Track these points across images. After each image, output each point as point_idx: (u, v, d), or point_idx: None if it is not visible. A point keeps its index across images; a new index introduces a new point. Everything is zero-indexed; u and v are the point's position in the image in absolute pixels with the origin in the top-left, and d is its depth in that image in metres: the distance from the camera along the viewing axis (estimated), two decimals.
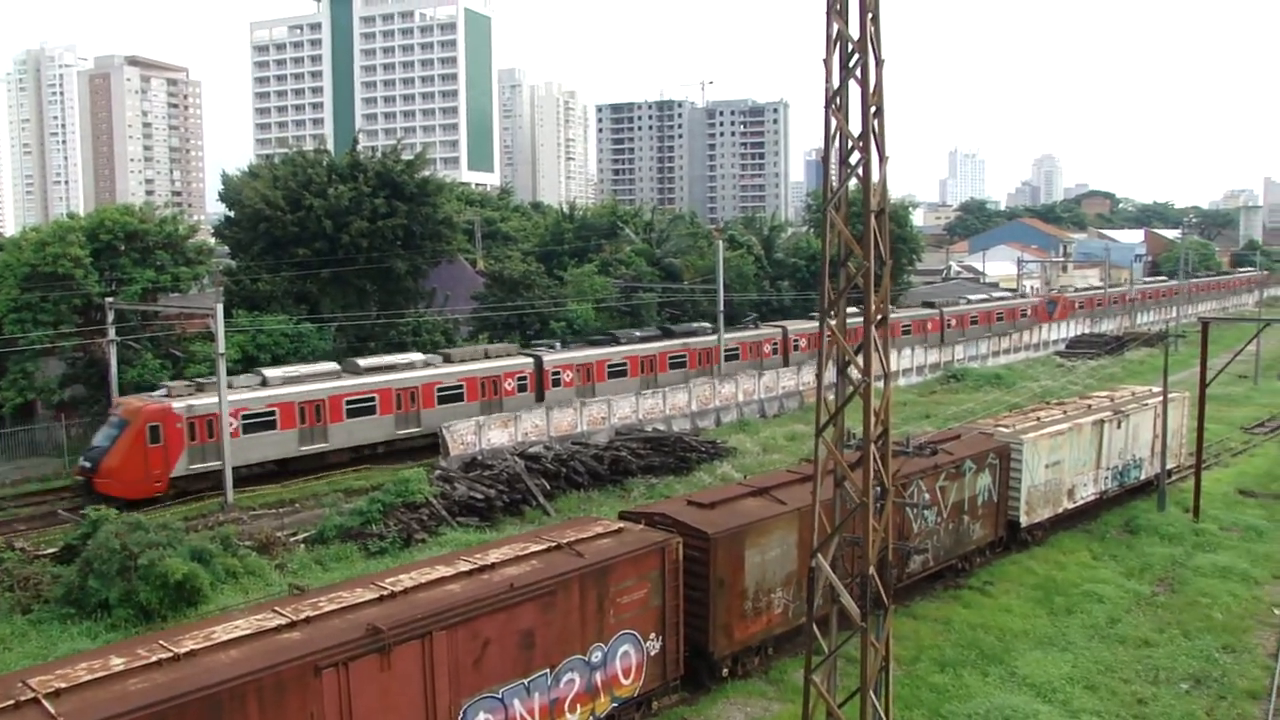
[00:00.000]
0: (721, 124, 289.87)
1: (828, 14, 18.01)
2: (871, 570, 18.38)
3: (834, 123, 18.32)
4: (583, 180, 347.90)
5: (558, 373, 55.15)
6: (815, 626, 19.51)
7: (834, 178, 18.55)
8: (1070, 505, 39.09)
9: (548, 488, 42.49)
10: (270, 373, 45.98)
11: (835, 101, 18.35)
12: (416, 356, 51.13)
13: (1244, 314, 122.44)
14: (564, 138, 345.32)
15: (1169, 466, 44.30)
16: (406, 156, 64.95)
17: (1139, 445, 43.12)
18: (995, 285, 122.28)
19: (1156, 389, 46.08)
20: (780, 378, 63.43)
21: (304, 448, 45.66)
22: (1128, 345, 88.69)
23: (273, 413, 44.57)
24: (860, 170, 18.22)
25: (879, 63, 17.93)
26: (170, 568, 29.74)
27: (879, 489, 18.59)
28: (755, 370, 63.52)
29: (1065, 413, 41.14)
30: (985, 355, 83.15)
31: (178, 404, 42.13)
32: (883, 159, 18.28)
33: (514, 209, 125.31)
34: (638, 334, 62.35)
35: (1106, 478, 41.10)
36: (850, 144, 18.31)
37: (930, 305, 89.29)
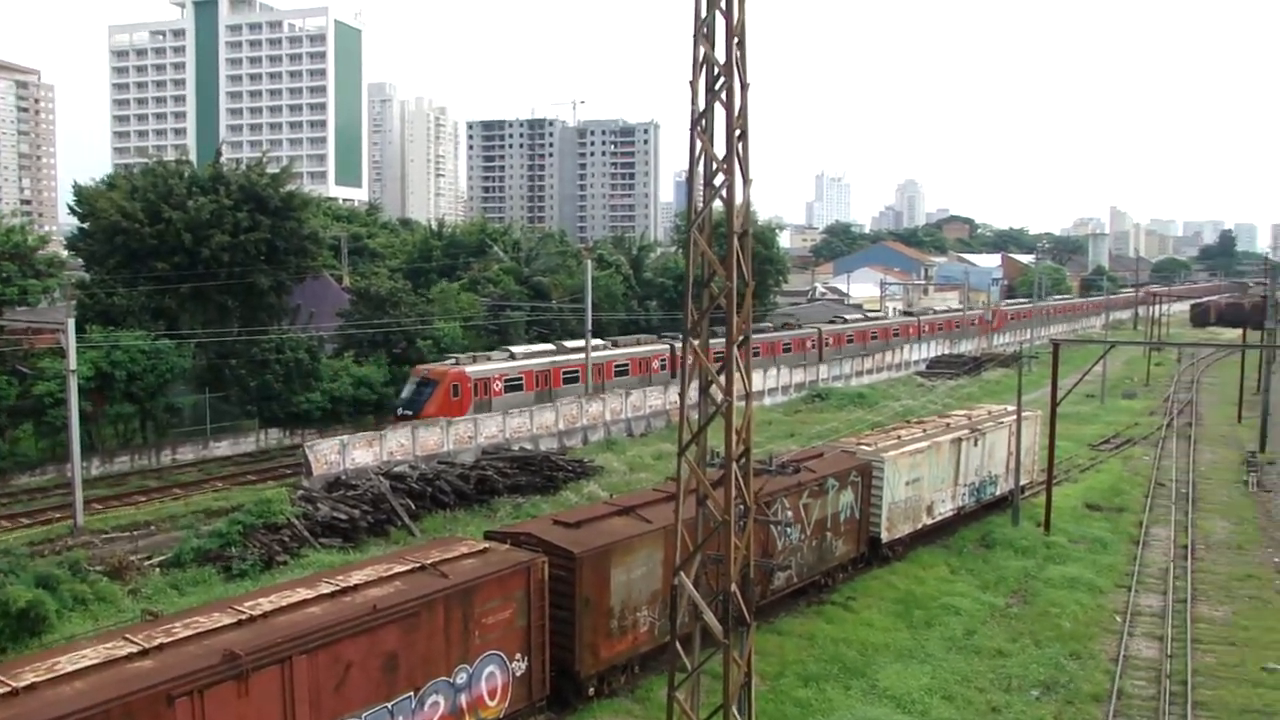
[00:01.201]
0: (592, 143, 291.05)
1: (695, 38, 18.21)
2: (734, 587, 18.52)
3: (699, 145, 18.52)
4: (452, 197, 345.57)
5: (827, 339, 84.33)
6: (679, 644, 19.59)
7: (698, 199, 18.74)
8: (930, 521, 40.03)
9: (413, 508, 41.93)
10: (515, 349, 63.39)
11: (700, 124, 18.55)
12: (599, 341, 67.81)
13: (1092, 336, 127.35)
14: (434, 154, 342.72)
15: (1023, 483, 45.72)
16: (272, 170, 63.62)
17: (995, 462, 44.42)
18: (859, 307, 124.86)
19: (1011, 408, 47.56)
20: (647, 397, 63.75)
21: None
22: (985, 366, 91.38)
23: (520, 378, 60.41)
24: (724, 192, 18.43)
25: (744, 87, 18.18)
26: (11, 595, 28.44)
27: (741, 507, 18.77)
28: (644, 385, 67.36)
29: (925, 431, 42.14)
30: (849, 375, 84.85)
31: (469, 369, 57.83)
32: (746, 181, 18.52)
33: (382, 225, 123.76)
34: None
35: (964, 494, 42.22)
36: (714, 166, 18.52)
37: (798, 325, 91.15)
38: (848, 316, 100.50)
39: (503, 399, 59.13)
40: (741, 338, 18.63)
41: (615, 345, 69.23)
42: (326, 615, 20.50)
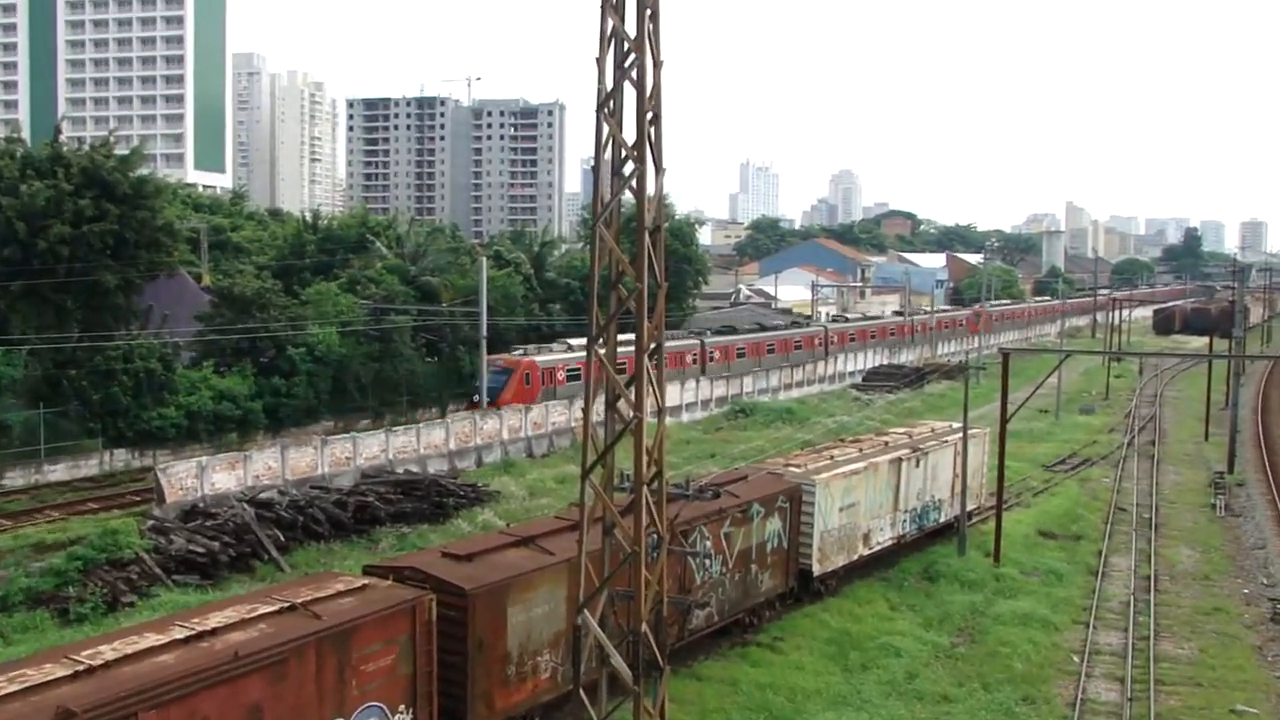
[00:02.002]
0: (489, 126, 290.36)
1: (602, 9, 18.27)
2: (645, 627, 18.58)
3: (606, 129, 18.59)
4: (329, 185, 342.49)
5: (712, 352, 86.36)
6: (583, 693, 19.59)
7: (605, 190, 18.80)
8: (866, 552, 40.50)
9: (282, 539, 41.44)
10: (571, 342, 74.25)
11: (608, 106, 18.63)
12: (780, 322, 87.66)
13: (1045, 345, 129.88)
14: (309, 135, 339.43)
15: (969, 508, 46.45)
16: (120, 151, 62.53)
17: (939, 485, 45.09)
18: (788, 311, 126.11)
19: (957, 424, 48.33)
20: (549, 412, 63.74)
21: None
22: (928, 377, 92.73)
23: (579, 369, 70.08)
24: (634, 182, 18.50)
25: (657, 64, 18.27)
26: None
27: (653, 536, 18.84)
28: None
29: (861, 451, 42.65)
30: (776, 388, 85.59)
31: (538, 359, 70.26)
32: (659, 170, 18.62)
33: (248, 216, 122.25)
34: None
35: (904, 521, 42.79)
36: (623, 153, 18.61)
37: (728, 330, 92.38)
38: (773, 322, 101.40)
39: (565, 387, 71.45)
40: (654, 345, 18.71)
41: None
42: (180, 664, 20.15)
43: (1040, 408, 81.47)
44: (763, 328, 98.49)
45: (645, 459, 18.61)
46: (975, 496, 47.87)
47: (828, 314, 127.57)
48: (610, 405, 19.07)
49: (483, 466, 57.87)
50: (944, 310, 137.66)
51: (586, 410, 18.86)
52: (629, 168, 18.91)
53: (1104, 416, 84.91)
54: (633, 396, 18.81)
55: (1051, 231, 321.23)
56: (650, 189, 18.67)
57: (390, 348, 69.19)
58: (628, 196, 19.18)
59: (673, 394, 73.38)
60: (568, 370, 72.34)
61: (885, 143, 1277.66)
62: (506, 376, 68.93)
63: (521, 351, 72.53)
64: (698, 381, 77.58)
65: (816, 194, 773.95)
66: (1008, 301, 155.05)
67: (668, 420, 66.68)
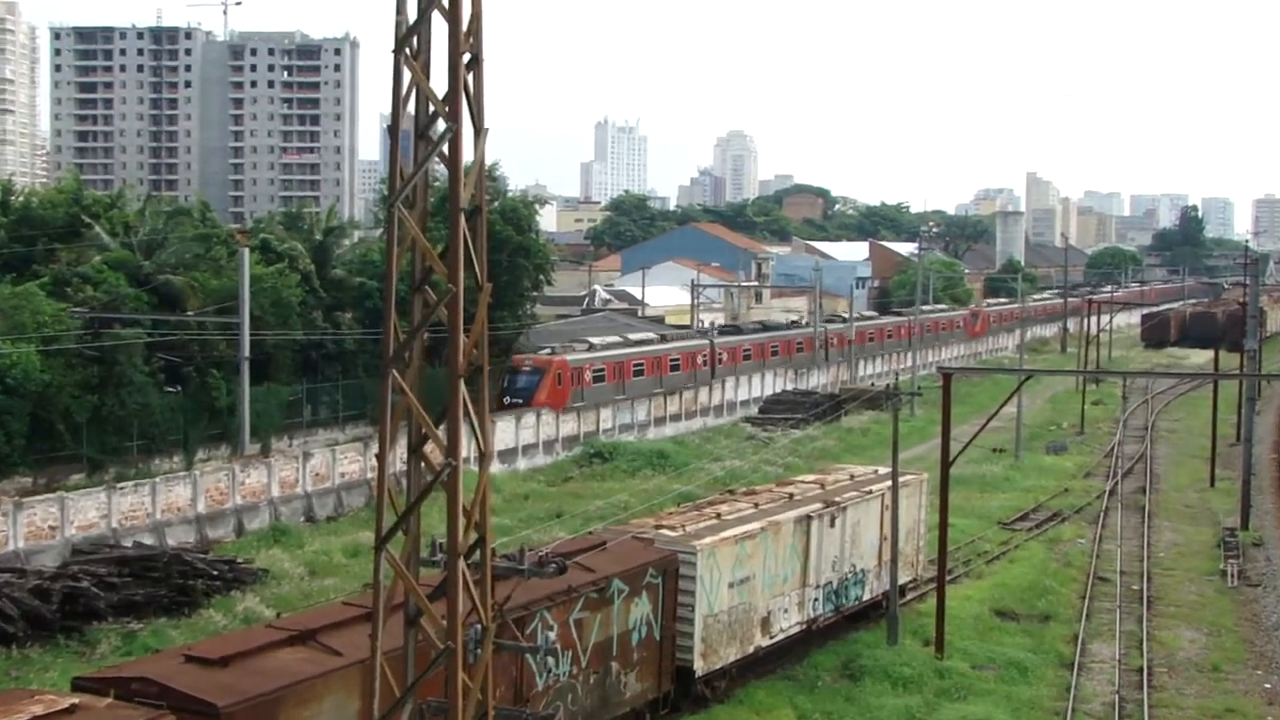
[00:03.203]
0: (254, 69, 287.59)
1: None
2: None
3: (407, 75, 18.46)
4: (27, 147, 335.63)
5: (720, 354, 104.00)
6: None
7: (408, 158, 18.70)
8: (766, 642, 40.70)
9: None
10: (594, 340, 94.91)
11: (410, 44, 18.52)
12: (652, 335, 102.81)
13: (1000, 363, 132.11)
14: None
15: (902, 581, 46.96)
16: None
17: (861, 552, 45.55)
18: (661, 320, 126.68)
19: (884, 469, 48.83)
20: (337, 460, 63.18)
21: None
22: (845, 407, 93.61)
23: (603, 369, 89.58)
24: (447, 147, 18.40)
25: None
26: None
27: (474, 628, 18.71)
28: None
29: (757, 507, 42.88)
30: (645, 423, 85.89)
31: (569, 358, 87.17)
32: (480, 131, 18.56)
33: None
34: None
35: (817, 600, 43.14)
36: (431, 108, 18.51)
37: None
38: (642, 335, 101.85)
39: (592, 389, 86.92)
40: (475, 367, 18.63)
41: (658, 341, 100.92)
42: None
43: (995, 445, 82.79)
44: (630, 342, 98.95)
45: (463, 522, 18.47)
46: (910, 565, 48.45)
47: (713, 323, 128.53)
48: (415, 450, 18.90)
49: (245, 535, 57.06)
50: (867, 317, 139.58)
51: (381, 456, 18.67)
52: (439, 127, 18.79)
53: (1078, 456, 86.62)
54: (445, 438, 18.68)
55: (1008, 212, 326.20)
56: (468, 156, 18.58)
57: (114, 373, 67.83)
58: (441, 167, 19.09)
59: (505, 433, 73.27)
60: (594, 371, 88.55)
61: (789, 97, 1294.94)
62: (539, 377, 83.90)
63: (549, 350, 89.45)
64: (538, 417, 77.51)
65: (697, 162, 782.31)
66: (945, 308, 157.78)
67: (498, 468, 66.13)
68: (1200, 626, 49.13)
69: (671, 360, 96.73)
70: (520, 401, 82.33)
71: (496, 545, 27.89)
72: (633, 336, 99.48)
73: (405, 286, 20.75)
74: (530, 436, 76.18)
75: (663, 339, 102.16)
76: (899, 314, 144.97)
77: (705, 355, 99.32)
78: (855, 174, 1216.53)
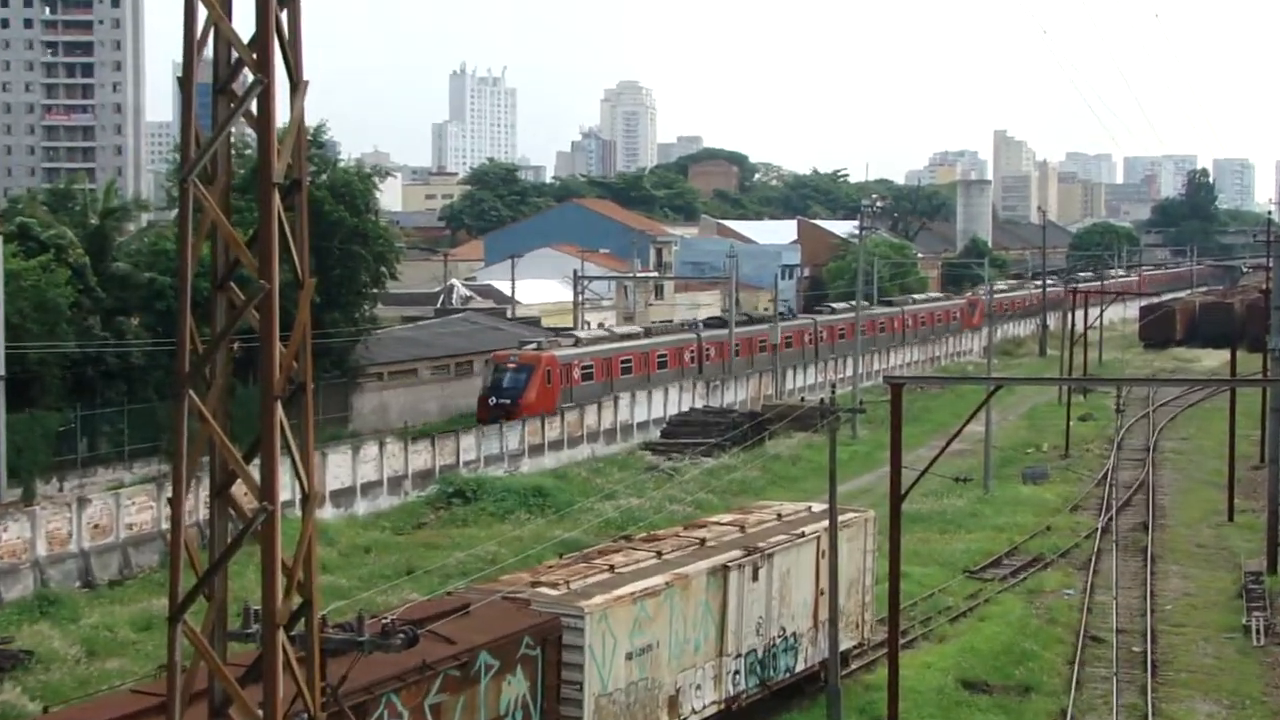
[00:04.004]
0: (7, 3, 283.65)
1: None
2: None
3: (202, 13, 18.38)
4: None
5: (709, 348, 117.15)
6: None
7: (205, 121, 18.61)
8: None
9: None
10: (579, 335, 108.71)
11: None
12: (638, 328, 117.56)
13: (963, 370, 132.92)
14: None
15: (845, 646, 47.13)
16: None
17: (792, 610, 45.67)
18: (536, 322, 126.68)
19: (820, 506, 48.98)
20: (123, 508, 62.45)
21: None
22: (769, 428, 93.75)
23: (592, 366, 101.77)
24: (255, 105, 18.34)
25: None
26: None
27: (301, 717, 18.63)
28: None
29: (661, 556, 42.87)
30: (516, 452, 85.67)
31: (557, 354, 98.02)
32: (298, 85, 18.51)
33: None
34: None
35: (737, 673, 43.20)
36: (234, 54, 18.43)
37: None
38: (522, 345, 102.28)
39: (580, 388, 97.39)
40: (295, 385, 18.55)
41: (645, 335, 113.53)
42: None
43: (958, 473, 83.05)
44: (616, 336, 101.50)
45: (283, 583, 18.41)
46: (854, 626, 48.67)
47: (601, 325, 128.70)
48: (220, 492, 18.80)
49: (2, 608, 56.38)
50: (789, 320, 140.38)
51: (176, 504, 18.54)
52: (246, 80, 18.73)
53: (1062, 486, 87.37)
54: (259, 476, 18.59)
55: (971, 181, 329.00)
56: (283, 117, 18.51)
57: None
58: (249, 131, 19.02)
59: (339, 467, 72.91)
60: (583, 368, 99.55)
61: (695, 40, 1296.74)
62: (527, 375, 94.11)
63: (535, 345, 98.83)
64: (381, 448, 77.12)
65: (581, 122, 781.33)
66: (940, 296, 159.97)
67: (329, 513, 65.86)
68: (1218, 697, 49.46)
69: (659, 357, 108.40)
70: (508, 403, 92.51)
71: (328, 612, 27.84)
72: (618, 330, 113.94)
73: (206, 283, 20.58)
74: (372, 472, 75.77)
75: (648, 333, 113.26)
76: (890, 304, 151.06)
77: (693, 351, 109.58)
78: (779, 135, 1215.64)
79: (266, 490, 18.52)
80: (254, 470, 19.03)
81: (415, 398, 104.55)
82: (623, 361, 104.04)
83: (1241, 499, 78.32)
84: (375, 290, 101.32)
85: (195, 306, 19.12)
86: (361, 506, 73.90)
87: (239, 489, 19.01)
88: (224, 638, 19.09)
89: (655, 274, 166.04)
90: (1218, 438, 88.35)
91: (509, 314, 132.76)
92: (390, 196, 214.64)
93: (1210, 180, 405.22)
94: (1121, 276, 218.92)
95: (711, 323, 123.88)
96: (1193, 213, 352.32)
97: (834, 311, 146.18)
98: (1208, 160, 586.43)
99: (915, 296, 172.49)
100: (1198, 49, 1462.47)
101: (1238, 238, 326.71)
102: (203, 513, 19.44)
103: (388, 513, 74.63)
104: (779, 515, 49.46)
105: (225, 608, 19.12)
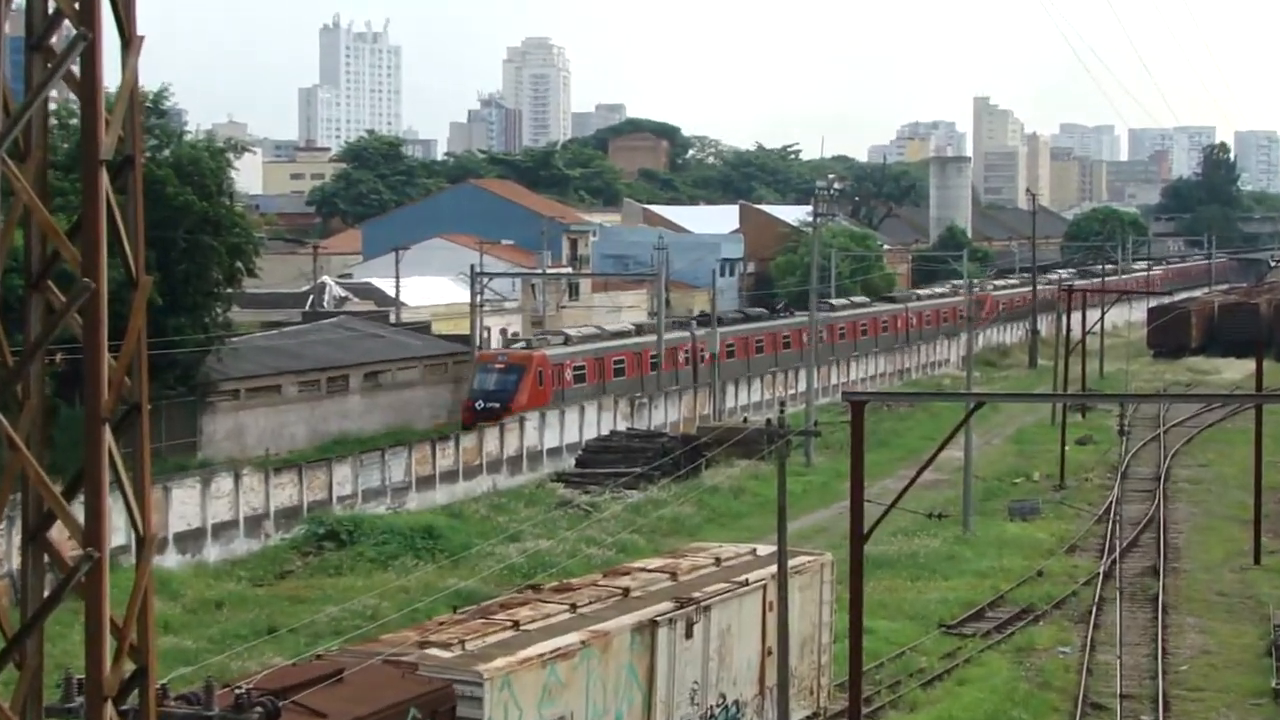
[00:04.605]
0: None
1: None
2: None
3: None
4: None
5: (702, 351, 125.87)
6: None
7: (16, 85, 18.45)
8: None
9: None
10: (569, 332, 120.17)
11: None
12: (628, 325, 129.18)
13: (938, 385, 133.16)
14: None
15: (798, 717, 47.10)
16: None
17: (734, 674, 45.60)
18: (426, 328, 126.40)
19: (766, 548, 48.95)
20: None
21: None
22: (707, 454, 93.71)
23: (584, 366, 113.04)
24: (79, 67, 18.18)
25: None
26: None
27: None
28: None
29: (576, 610, 42.77)
30: (402, 485, 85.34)
31: (548, 352, 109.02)
32: (131, 41, 18.36)
33: None
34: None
35: None
36: (53, 6, 18.27)
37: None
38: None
39: (573, 389, 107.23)
40: (128, 406, 18.36)
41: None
42: None
43: (932, 508, 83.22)
44: (607, 334, 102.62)
45: (113, 645, 18.21)
46: (808, 693, 48.65)
47: (509, 332, 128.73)
48: (34, 536, 18.58)
49: None
50: (742, 321, 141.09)
51: None
52: (67, 35, 18.56)
53: (1056, 522, 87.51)
54: (83, 516, 18.40)
55: (947, 158, 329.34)
56: (112, 80, 18.36)
57: None
58: (73, 98, 18.87)
59: (184, 504, 72.47)
60: (575, 369, 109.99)
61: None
62: (517, 376, 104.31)
63: (524, 344, 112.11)
64: (237, 481, 76.49)
65: (479, 87, 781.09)
66: (945, 291, 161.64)
67: (172, 559, 65.48)
68: None
69: (652, 357, 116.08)
70: (496, 407, 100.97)
71: (169, 681, 27.62)
72: (608, 328, 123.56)
73: (19, 281, 20.38)
74: (225, 510, 75.11)
75: (639, 330, 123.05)
76: (892, 300, 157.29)
77: (688, 351, 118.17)
78: (718, 105, 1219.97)
79: (92, 534, 18.31)
80: (77, 510, 18.79)
81: (279, 420, 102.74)
82: (615, 362, 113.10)
83: (1270, 538, 78.66)
84: (229, 290, 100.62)
85: (6, 310, 18.91)
86: (212, 552, 73.38)
87: (59, 532, 18.77)
88: (39, 714, 18.88)
89: (569, 270, 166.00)
90: (1241, 465, 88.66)
91: (392, 318, 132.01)
92: (248, 176, 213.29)
93: (1231, 157, 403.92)
94: (1127, 272, 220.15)
95: (704, 319, 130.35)
96: (1210, 196, 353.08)
97: (832, 309, 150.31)
98: (1228, 134, 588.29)
99: (919, 292, 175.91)
100: (1215, 3, 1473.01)
101: (1264, 225, 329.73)
102: (15, 561, 19.21)
103: (245, 559, 74.17)
104: (718, 560, 49.29)
105: (41, 677, 18.91)
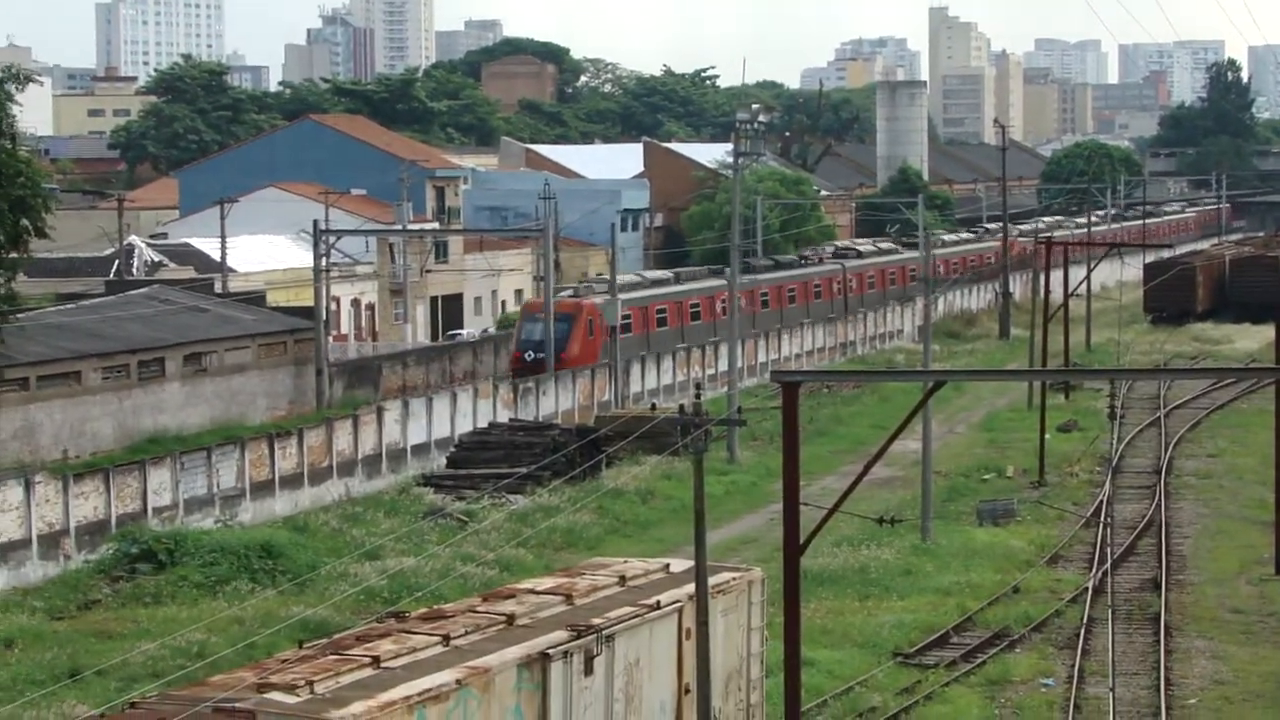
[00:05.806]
0: None
1: None
2: None
3: None
4: None
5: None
6: None
7: None
8: None
9: None
10: (647, 274, 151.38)
11: None
12: (666, 273, 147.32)
13: (890, 361, 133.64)
14: None
15: None
16: None
17: (645, 714, 45.72)
18: (260, 299, 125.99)
19: (682, 564, 49.13)
20: None
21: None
22: (607, 450, 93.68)
23: (629, 316, 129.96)
24: None
25: None
26: None
27: None
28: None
29: (449, 642, 42.86)
30: (234, 493, 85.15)
31: (597, 301, 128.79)
32: None
33: None
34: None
35: None
36: None
37: None
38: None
39: (624, 340, 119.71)
40: None
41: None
42: None
43: (884, 511, 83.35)
44: (647, 281, 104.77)
45: None
46: None
47: (358, 301, 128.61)
48: None
49: None
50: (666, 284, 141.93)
51: None
52: None
53: (1035, 526, 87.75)
54: None
55: (898, 83, 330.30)
56: None
57: None
58: None
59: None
60: (623, 318, 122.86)
61: None
62: (569, 325, 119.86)
63: (572, 291, 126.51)
64: (27, 490, 75.82)
65: (320, 1, 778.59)
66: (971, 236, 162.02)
67: None
68: None
69: (691, 306, 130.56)
70: (543, 358, 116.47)
71: None
72: (648, 275, 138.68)
73: None
74: (14, 525, 74.70)
75: (676, 278, 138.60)
76: (904, 243, 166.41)
77: (724, 301, 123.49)
78: (614, 21, 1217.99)
79: None
80: None
81: (79, 414, 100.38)
82: (658, 311, 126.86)
83: None
84: (14, 255, 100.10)
85: None
86: (1, 576, 73.13)
87: None
88: None
89: (435, 226, 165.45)
90: (1259, 454, 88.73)
91: (218, 287, 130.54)
92: (36, 113, 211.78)
93: (1243, 78, 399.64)
94: (1118, 221, 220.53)
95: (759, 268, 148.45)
96: (1219, 125, 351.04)
97: (860, 255, 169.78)
98: (1239, 49, 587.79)
99: (945, 237, 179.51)
100: None
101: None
102: None
103: (40, 586, 73.75)
104: (622, 578, 49.22)
105: None
